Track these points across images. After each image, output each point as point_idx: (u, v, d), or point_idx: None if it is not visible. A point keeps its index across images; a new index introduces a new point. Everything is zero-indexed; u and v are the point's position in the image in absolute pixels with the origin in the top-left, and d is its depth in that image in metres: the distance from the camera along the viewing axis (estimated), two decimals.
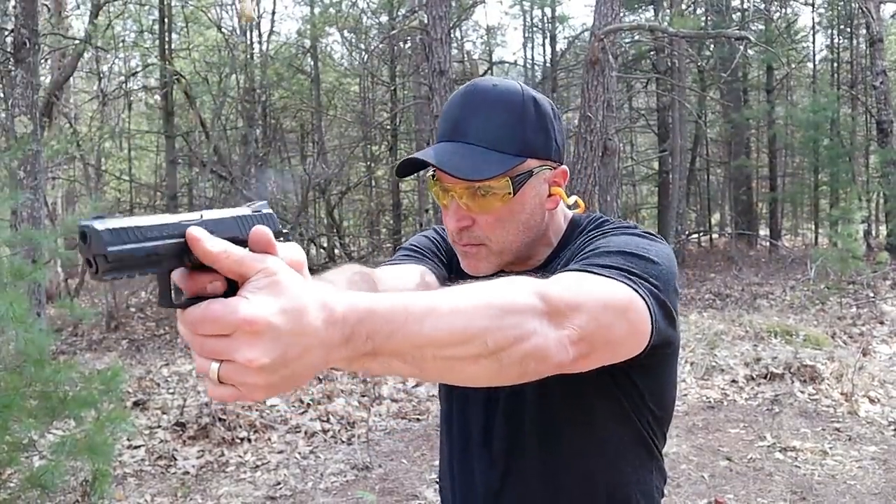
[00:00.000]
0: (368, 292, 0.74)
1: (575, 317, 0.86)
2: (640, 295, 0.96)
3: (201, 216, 0.68)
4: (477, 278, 1.20)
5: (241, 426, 5.14)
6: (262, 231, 0.68)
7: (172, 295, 0.67)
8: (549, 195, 1.17)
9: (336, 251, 14.68)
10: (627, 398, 1.15)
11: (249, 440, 5.02)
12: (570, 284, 0.92)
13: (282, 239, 0.71)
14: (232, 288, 0.66)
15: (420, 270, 1.22)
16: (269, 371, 0.63)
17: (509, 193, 1.11)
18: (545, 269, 1.20)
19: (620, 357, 0.99)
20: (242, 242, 0.68)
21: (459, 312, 0.77)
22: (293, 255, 0.70)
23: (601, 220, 1.23)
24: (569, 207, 1.25)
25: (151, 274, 0.65)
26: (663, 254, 1.06)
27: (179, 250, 0.66)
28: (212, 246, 0.64)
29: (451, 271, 1.29)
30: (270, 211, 0.74)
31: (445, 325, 0.75)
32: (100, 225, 0.62)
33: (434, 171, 1.15)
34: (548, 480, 1.19)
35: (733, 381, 6.00)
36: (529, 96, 1.14)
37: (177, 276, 0.67)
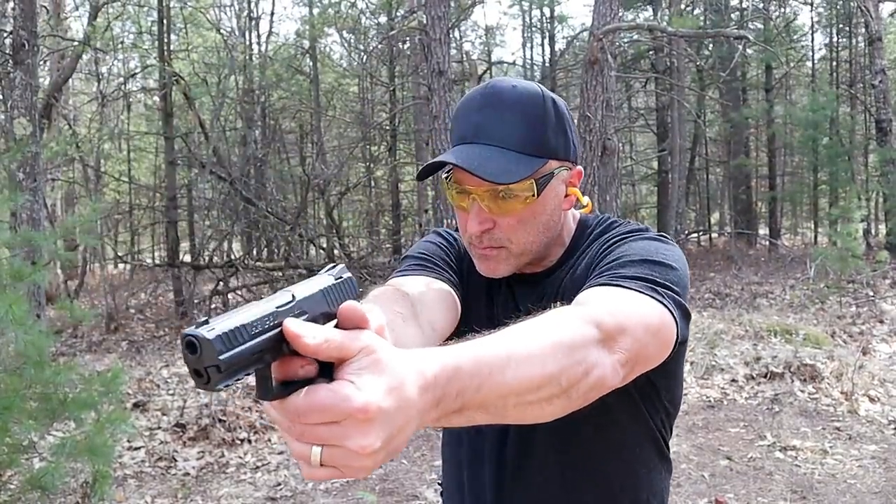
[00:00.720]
0: (448, 346, 0.74)
1: (623, 340, 0.89)
2: (668, 308, 0.99)
3: (293, 297, 0.66)
4: (492, 280, 1.20)
5: (241, 427, 5.14)
6: (353, 308, 0.66)
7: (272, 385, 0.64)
8: (566, 196, 1.17)
9: (335, 252, 14.68)
10: (644, 399, 1.16)
11: (250, 441, 5.02)
12: (613, 307, 0.94)
13: (357, 300, 0.70)
14: (324, 368, 0.64)
15: (440, 286, 1.19)
16: (379, 453, 0.62)
17: (533, 195, 1.10)
18: (558, 269, 1.21)
19: (649, 368, 1.02)
20: (332, 316, 0.67)
21: (535, 357, 0.78)
22: (378, 320, 0.68)
23: (609, 221, 1.23)
24: (576, 208, 1.24)
25: (255, 370, 0.62)
26: (679, 257, 1.09)
27: (279, 341, 0.63)
28: (312, 340, 0.62)
29: (463, 276, 1.27)
30: (350, 275, 0.73)
31: (525, 373, 0.76)
32: (209, 333, 0.58)
33: (449, 173, 1.14)
34: (564, 485, 1.18)
35: (733, 380, 6.00)
36: (549, 97, 1.14)
37: None
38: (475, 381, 0.71)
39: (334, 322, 0.67)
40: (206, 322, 0.59)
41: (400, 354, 0.66)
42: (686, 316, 1.04)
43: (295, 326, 0.62)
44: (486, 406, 0.73)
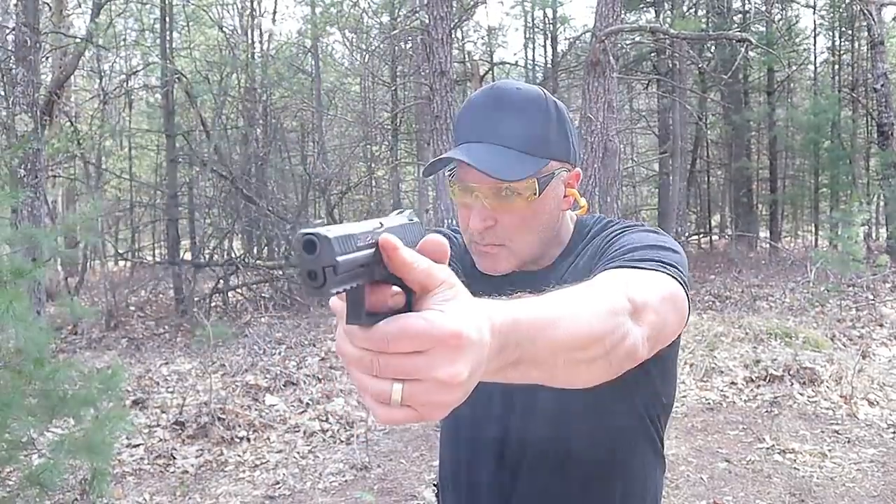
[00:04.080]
0: (504, 301, 0.73)
1: (649, 313, 0.92)
2: (681, 283, 1.03)
3: (381, 224, 0.65)
4: (490, 279, 1.21)
5: (240, 425, 5.14)
6: (437, 240, 0.66)
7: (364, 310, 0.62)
8: (564, 196, 1.20)
9: None
10: (640, 393, 1.18)
11: (248, 439, 5.02)
12: (639, 283, 0.96)
13: None
14: (407, 301, 0.63)
15: None
16: (464, 386, 0.61)
17: (534, 194, 1.13)
18: (556, 268, 1.23)
19: (667, 343, 1.04)
20: None
21: (582, 317, 0.80)
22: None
23: (606, 220, 1.26)
24: (573, 209, 1.27)
25: (354, 287, 0.60)
26: (676, 244, 1.12)
27: (375, 262, 0.62)
28: (407, 255, 0.61)
29: (461, 274, 1.29)
30: (418, 220, 0.74)
31: (575, 330, 0.78)
32: (328, 232, 0.57)
33: (453, 170, 1.16)
34: (562, 477, 1.19)
35: (732, 382, 5.99)
36: (551, 100, 1.18)
37: None
38: (531, 333, 0.71)
39: None
40: (322, 224, 0.59)
41: (471, 296, 0.65)
42: (689, 301, 1.07)
43: (394, 239, 0.61)
44: (539, 361, 0.74)
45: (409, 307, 0.62)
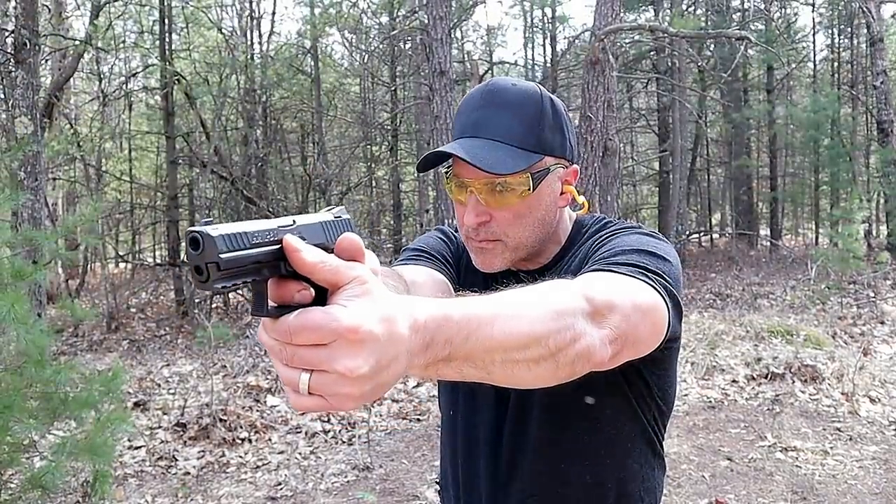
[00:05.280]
0: (438, 298, 0.75)
1: (612, 317, 0.90)
2: (660, 293, 0.99)
3: (294, 221, 0.68)
4: (489, 275, 1.22)
5: (241, 427, 5.14)
6: (353, 239, 0.69)
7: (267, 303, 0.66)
8: (562, 193, 1.20)
9: None
10: (636, 394, 1.17)
11: (250, 440, 5.02)
12: (605, 285, 0.95)
13: None
14: (319, 296, 0.66)
15: (434, 274, 1.23)
16: (366, 380, 0.63)
17: (528, 190, 1.13)
18: (553, 267, 1.23)
19: (641, 354, 1.02)
20: (328, 248, 0.68)
21: (522, 316, 0.79)
22: (374, 263, 0.70)
23: (605, 220, 1.25)
24: (573, 208, 1.26)
25: (251, 282, 0.64)
26: (671, 253, 1.10)
27: (277, 257, 0.65)
28: (309, 256, 0.64)
29: (460, 272, 1.30)
30: (349, 216, 0.76)
31: (512, 329, 0.77)
32: (213, 231, 0.60)
33: (450, 167, 1.17)
34: (557, 478, 1.19)
35: (734, 381, 5.99)
36: (546, 96, 1.17)
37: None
38: (463, 331, 0.72)
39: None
40: (210, 223, 0.61)
41: (391, 293, 0.67)
42: (677, 308, 1.04)
43: (295, 241, 0.64)
44: (473, 358, 0.74)
45: (322, 302, 0.65)
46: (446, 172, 1.18)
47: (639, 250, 1.06)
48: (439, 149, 1.13)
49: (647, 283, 0.99)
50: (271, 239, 0.64)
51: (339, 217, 0.74)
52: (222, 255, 0.60)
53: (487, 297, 0.81)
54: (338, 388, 0.62)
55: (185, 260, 0.62)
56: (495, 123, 1.13)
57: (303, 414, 5.53)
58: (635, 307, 0.95)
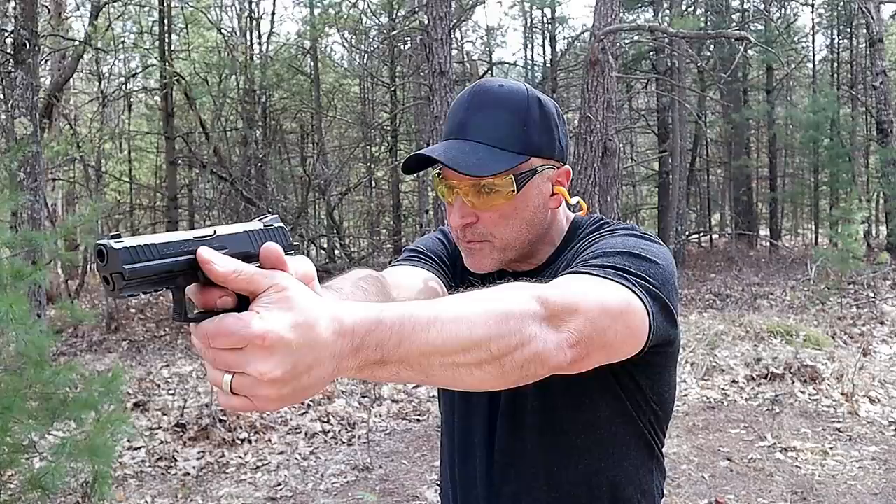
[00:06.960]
0: (376, 302, 0.77)
1: (572, 320, 0.88)
2: (638, 295, 0.97)
3: (214, 232, 0.70)
4: (482, 276, 1.22)
5: (241, 427, 5.14)
6: (272, 248, 0.70)
7: (187, 309, 0.69)
8: (553, 194, 1.19)
9: (336, 252, 14.67)
10: (629, 397, 1.16)
11: (250, 441, 5.02)
12: (568, 288, 0.93)
13: (292, 252, 0.74)
14: (243, 302, 0.68)
15: (425, 275, 1.23)
16: (281, 383, 0.65)
17: (512, 191, 1.13)
18: (547, 268, 1.22)
19: (618, 357, 1.00)
20: (255, 257, 0.70)
21: (463, 320, 0.78)
22: (303, 268, 0.72)
23: (601, 221, 1.24)
24: (570, 209, 1.26)
25: (167, 290, 0.68)
26: (661, 254, 1.07)
27: (193, 267, 0.68)
28: (221, 267, 0.67)
29: (456, 273, 1.30)
30: (282, 224, 0.77)
31: (450, 333, 0.77)
32: (116, 244, 0.64)
33: (440, 168, 1.17)
34: (550, 480, 1.19)
35: (734, 381, 5.99)
36: (534, 96, 1.16)
37: (190, 289, 0.69)
38: (396, 335, 0.72)
39: (256, 264, 0.70)
40: (119, 236, 0.64)
41: (316, 299, 0.69)
42: (666, 311, 1.02)
43: (207, 253, 0.67)
44: (410, 362, 0.74)
45: (244, 309, 0.67)
46: (437, 174, 1.18)
47: (622, 252, 1.04)
48: (419, 152, 1.13)
49: (622, 284, 0.97)
50: (184, 250, 0.67)
51: (271, 226, 0.76)
52: (126, 267, 0.63)
53: (432, 301, 0.82)
54: (257, 390, 0.65)
55: (97, 271, 0.65)
56: (480, 125, 1.13)
57: (304, 415, 5.53)
58: (603, 310, 0.92)
